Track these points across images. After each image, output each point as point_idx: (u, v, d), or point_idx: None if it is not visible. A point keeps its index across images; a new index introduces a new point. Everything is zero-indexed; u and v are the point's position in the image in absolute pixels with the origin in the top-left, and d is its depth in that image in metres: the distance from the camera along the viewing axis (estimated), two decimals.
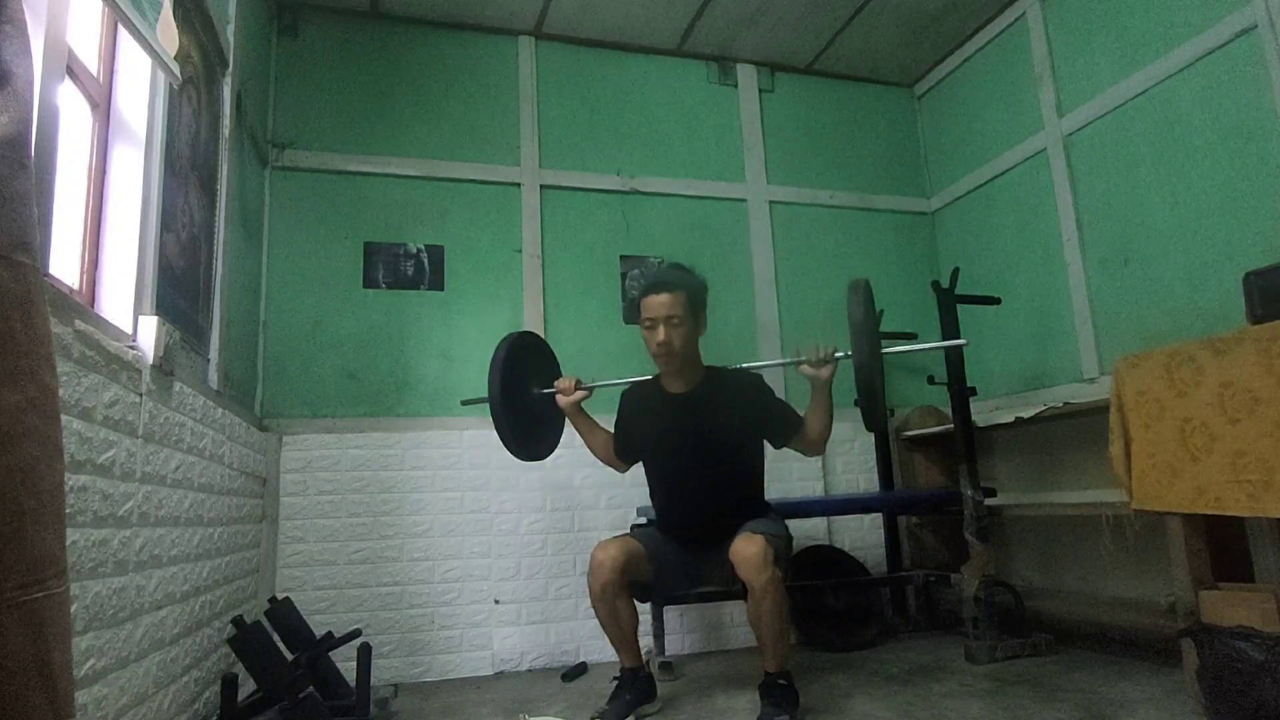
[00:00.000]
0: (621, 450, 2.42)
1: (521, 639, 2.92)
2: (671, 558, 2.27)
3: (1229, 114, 2.49)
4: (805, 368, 2.12)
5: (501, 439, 2.28)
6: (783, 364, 2.48)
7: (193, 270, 2.07)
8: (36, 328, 0.77)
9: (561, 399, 2.32)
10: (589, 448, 2.45)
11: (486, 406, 2.26)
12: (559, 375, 2.42)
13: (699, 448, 2.22)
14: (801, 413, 2.24)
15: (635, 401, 2.38)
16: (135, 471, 1.52)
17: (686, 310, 2.17)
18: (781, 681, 2.04)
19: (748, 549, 1.99)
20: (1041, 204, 3.24)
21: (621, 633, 2.17)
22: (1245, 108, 2.44)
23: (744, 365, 2.32)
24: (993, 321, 3.38)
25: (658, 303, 2.16)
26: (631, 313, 2.30)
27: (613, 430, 2.43)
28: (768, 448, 2.33)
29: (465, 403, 2.54)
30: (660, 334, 2.15)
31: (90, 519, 1.32)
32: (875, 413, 2.05)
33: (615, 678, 2.22)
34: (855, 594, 3.10)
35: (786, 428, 2.24)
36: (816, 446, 2.25)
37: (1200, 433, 1.89)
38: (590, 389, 2.33)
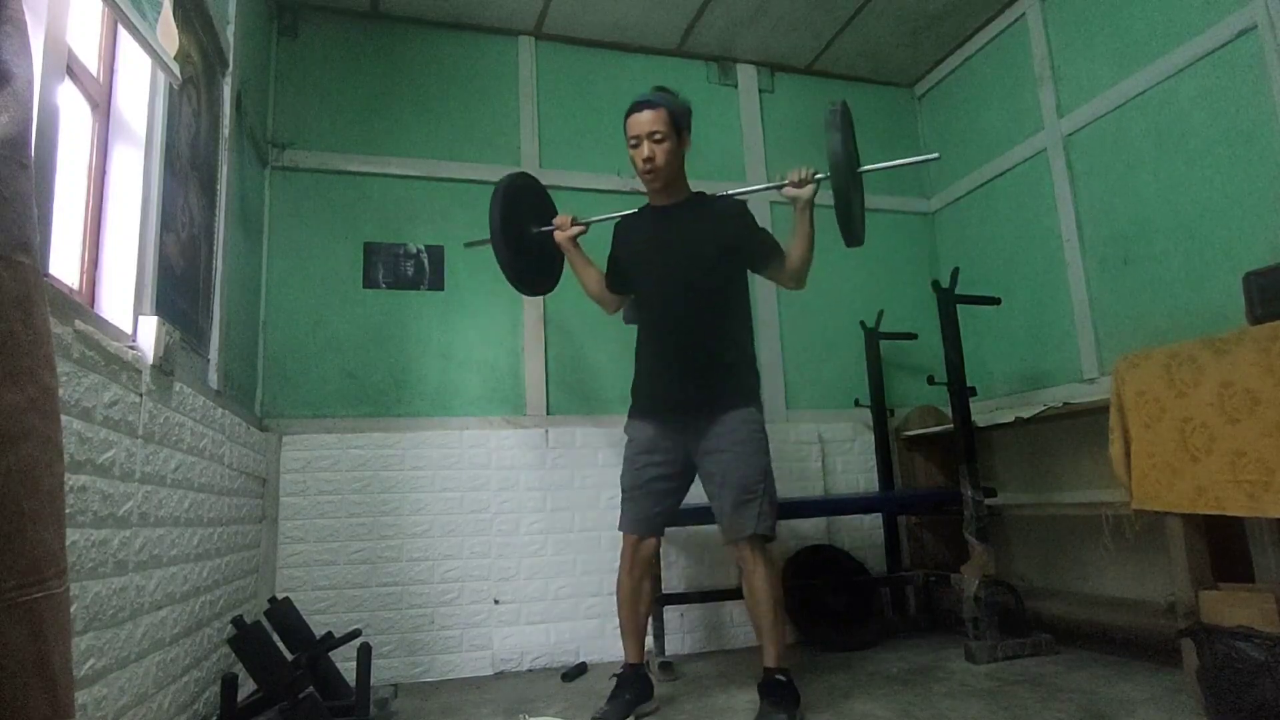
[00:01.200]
0: (613, 279, 2.42)
1: (521, 639, 2.92)
2: (660, 484, 2.23)
3: (1229, 114, 2.49)
4: (788, 189, 2.18)
5: (503, 270, 2.37)
6: (766, 188, 2.42)
7: (193, 270, 2.06)
8: (36, 328, 0.77)
9: (559, 235, 2.38)
10: (584, 286, 2.48)
11: (489, 250, 2.35)
12: (555, 215, 2.47)
13: (684, 258, 2.22)
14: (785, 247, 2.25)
15: (625, 227, 2.41)
16: (135, 471, 1.52)
17: (669, 127, 2.18)
18: (780, 678, 2.05)
19: (748, 565, 2.10)
20: (1041, 204, 3.24)
21: (637, 618, 2.22)
22: (1245, 108, 2.44)
23: (730, 191, 2.35)
24: (993, 321, 3.38)
25: (641, 120, 2.18)
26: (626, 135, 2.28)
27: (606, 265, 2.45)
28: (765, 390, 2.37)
29: (469, 245, 2.62)
30: (645, 150, 2.17)
31: (90, 519, 1.31)
32: (854, 229, 2.11)
33: (615, 675, 2.23)
34: (855, 594, 3.10)
35: (769, 252, 2.26)
36: (797, 276, 2.25)
37: (1200, 433, 1.89)
38: (586, 224, 2.40)
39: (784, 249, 2.24)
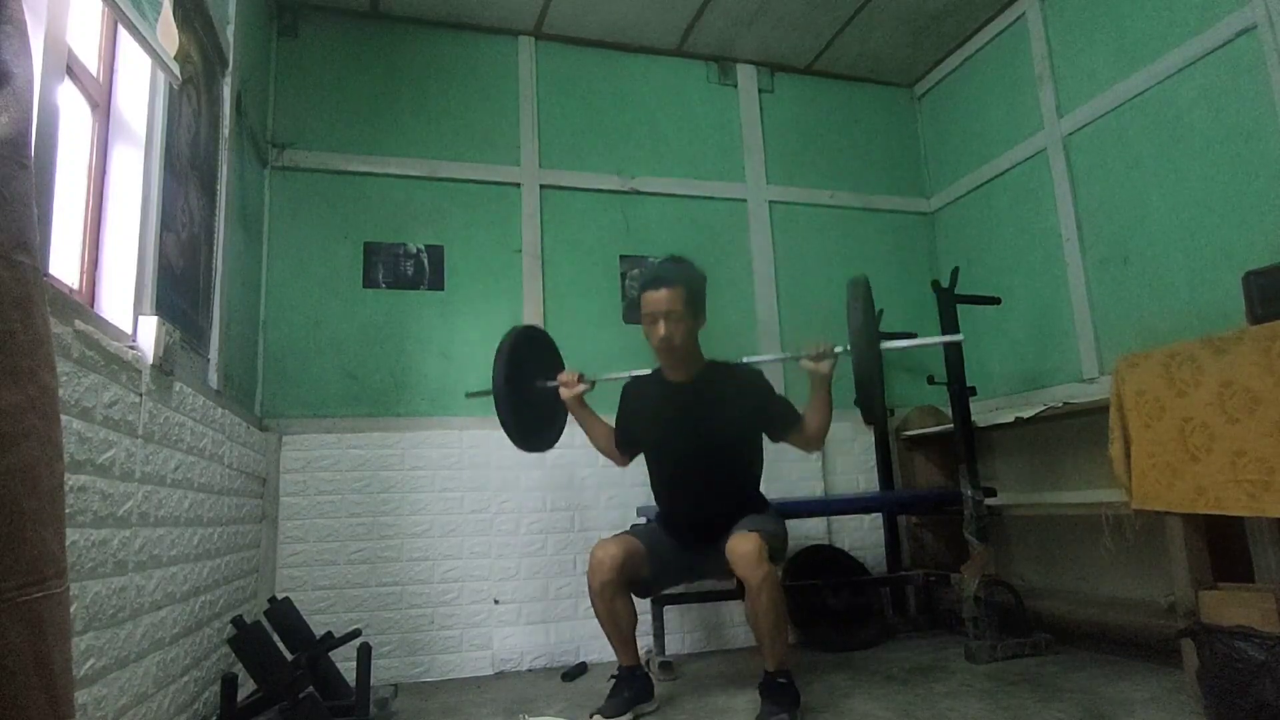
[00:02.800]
0: (622, 442, 2.44)
1: (521, 639, 2.92)
2: (670, 554, 2.29)
3: (1229, 113, 2.49)
4: (805, 362, 2.17)
5: (505, 430, 2.32)
6: (783, 359, 2.52)
7: (192, 270, 2.06)
8: (36, 328, 0.77)
9: (564, 391, 2.35)
10: (591, 440, 2.47)
11: (491, 400, 2.29)
12: (562, 368, 2.45)
13: (699, 437, 2.25)
14: (800, 409, 2.26)
15: (637, 393, 2.40)
16: (135, 471, 1.52)
17: (685, 305, 2.18)
18: (781, 680, 2.05)
19: (743, 546, 2.01)
20: (1041, 204, 3.24)
21: (620, 631, 2.20)
22: (1245, 107, 2.44)
23: (745, 359, 2.35)
24: (993, 321, 3.38)
25: (657, 298, 2.18)
26: (633, 310, 2.33)
27: (614, 423, 2.45)
28: (766, 443, 2.35)
29: (470, 395, 2.57)
30: (661, 329, 2.17)
31: (90, 519, 1.32)
32: (873, 408, 2.11)
33: (613, 676, 2.24)
34: (855, 594, 3.10)
35: (786, 422, 2.27)
36: (815, 442, 2.28)
37: (1200, 432, 1.89)
38: (593, 382, 2.38)
39: (800, 413, 2.26)
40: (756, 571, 1.98)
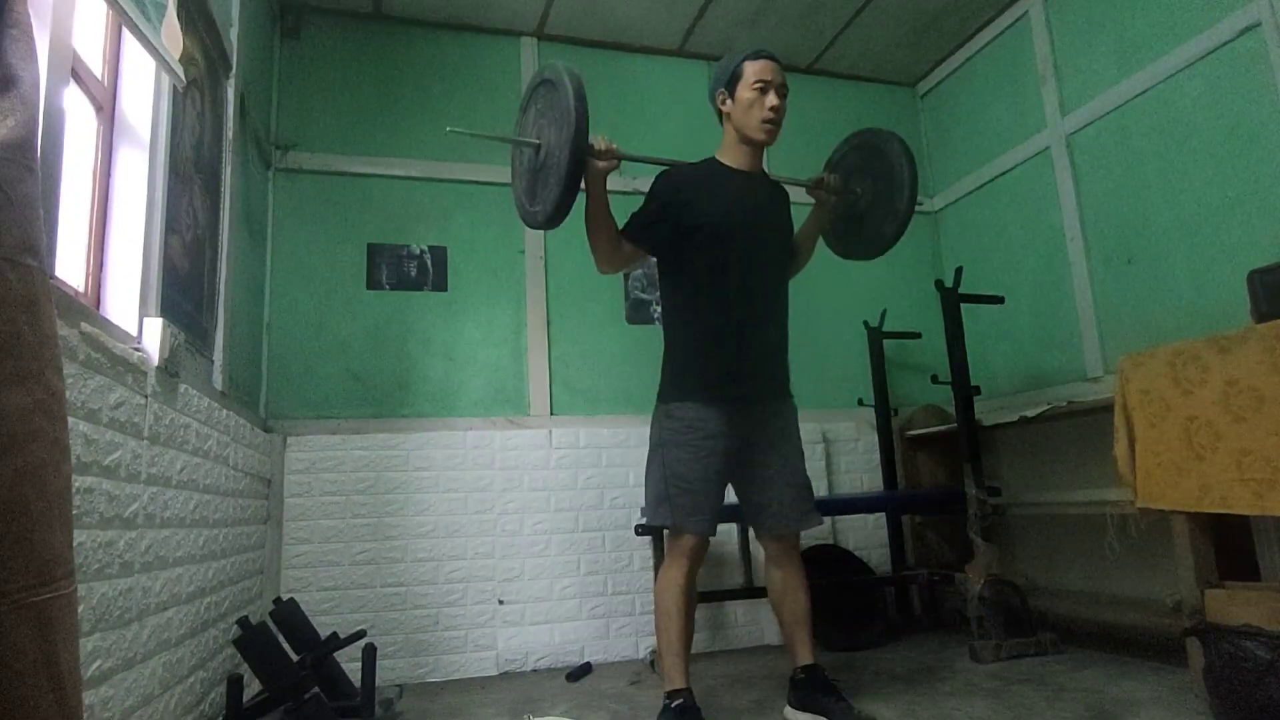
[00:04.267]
0: (648, 235, 2.06)
1: (526, 639, 2.92)
2: (714, 473, 1.99)
3: (1232, 112, 2.49)
4: (820, 191, 2.22)
5: (556, 202, 1.93)
6: (805, 183, 2.32)
7: (197, 272, 2.07)
8: (43, 330, 0.77)
9: (602, 164, 1.98)
10: (596, 227, 2.04)
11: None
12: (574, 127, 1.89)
13: (772, 230, 2.10)
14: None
15: (688, 180, 2.09)
16: (141, 473, 1.53)
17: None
18: (829, 674, 2.04)
19: (794, 558, 2.08)
20: (1045, 203, 3.24)
21: (688, 638, 1.98)
22: (1248, 105, 2.43)
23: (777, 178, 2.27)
24: (996, 320, 3.38)
25: (772, 68, 2.03)
26: (725, 78, 2.07)
27: (633, 214, 2.09)
28: None
29: (511, 140, 2.13)
30: (773, 98, 2.01)
31: (97, 520, 1.32)
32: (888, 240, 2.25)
33: (676, 702, 1.91)
34: (859, 593, 3.09)
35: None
36: (795, 270, 2.29)
37: (1205, 431, 1.89)
38: (625, 157, 2.04)
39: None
40: (785, 557, 2.04)
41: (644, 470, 2.11)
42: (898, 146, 2.22)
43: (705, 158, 2.17)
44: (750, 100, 2.03)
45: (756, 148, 2.10)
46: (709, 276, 2.02)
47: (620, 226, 2.06)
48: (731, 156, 2.13)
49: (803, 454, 2.11)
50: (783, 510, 2.04)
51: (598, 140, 1.96)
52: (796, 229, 2.26)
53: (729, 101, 2.09)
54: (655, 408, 2.09)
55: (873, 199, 2.28)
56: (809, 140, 3.84)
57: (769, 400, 2.06)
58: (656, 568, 2.81)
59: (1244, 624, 1.77)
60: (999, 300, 3.13)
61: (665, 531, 2.09)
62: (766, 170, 2.21)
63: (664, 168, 2.15)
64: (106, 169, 1.66)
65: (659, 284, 2.20)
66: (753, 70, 2.04)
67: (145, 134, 1.73)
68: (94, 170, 1.63)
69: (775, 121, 2.04)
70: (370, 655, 2.14)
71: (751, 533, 2.22)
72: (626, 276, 3.40)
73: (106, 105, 1.66)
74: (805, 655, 2.03)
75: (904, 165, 2.19)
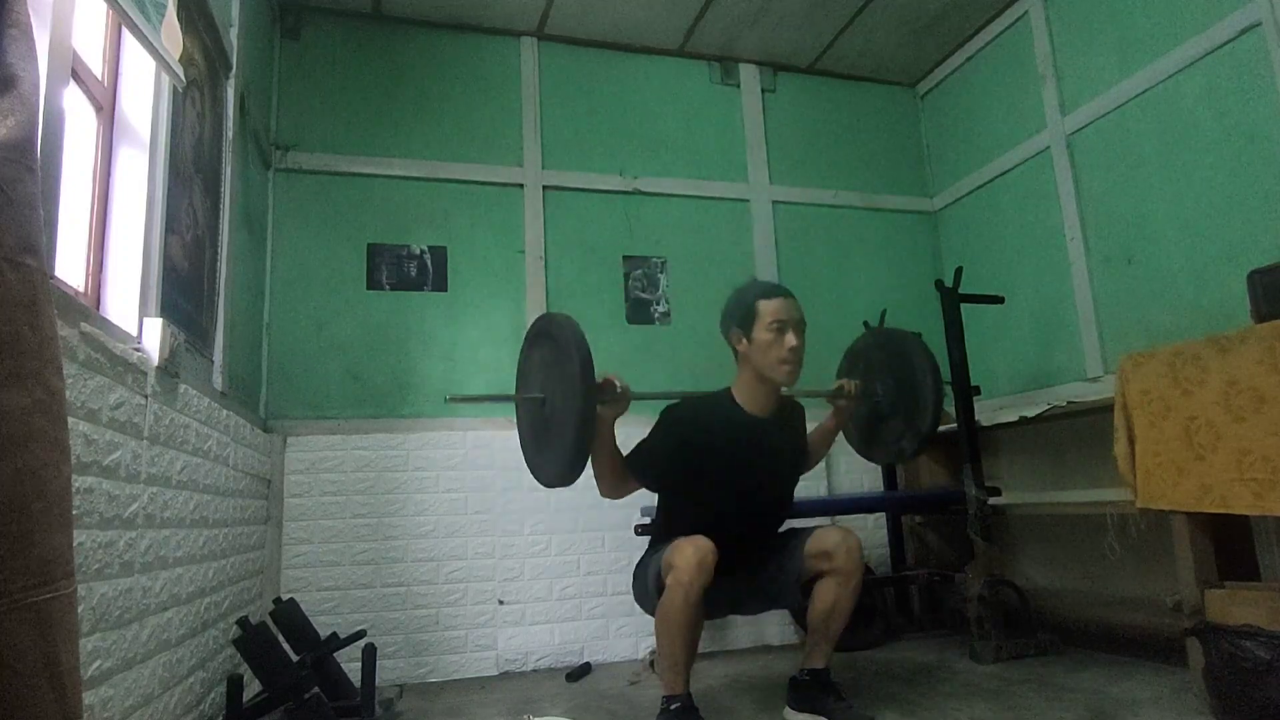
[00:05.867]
0: (649, 470, 2.03)
1: (526, 639, 2.92)
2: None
3: (1233, 111, 2.49)
4: (841, 401, 2.21)
5: (569, 460, 1.82)
6: (825, 394, 2.30)
7: (197, 272, 2.07)
8: (43, 330, 0.77)
9: (609, 410, 1.89)
10: (597, 462, 1.98)
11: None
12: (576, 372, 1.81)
13: (772, 481, 2.11)
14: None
15: (697, 419, 2.04)
16: (141, 473, 1.53)
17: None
18: (835, 680, 2.03)
19: (848, 538, 1.97)
20: (1045, 203, 3.23)
21: (693, 646, 1.89)
22: (1249, 105, 2.43)
23: (795, 392, 2.24)
24: (996, 320, 3.38)
25: (791, 305, 2.02)
26: (737, 320, 2.05)
27: (635, 447, 2.06)
28: None
29: (522, 398, 2.08)
30: (792, 339, 1.98)
31: (97, 520, 1.32)
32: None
33: (675, 705, 1.87)
34: (859, 594, 3.09)
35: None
36: (807, 469, 2.32)
37: (1205, 431, 1.89)
38: (628, 401, 1.92)
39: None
40: (857, 566, 1.96)
41: (661, 495, 2.15)
42: (924, 361, 2.19)
43: (721, 391, 2.11)
44: (768, 342, 1.99)
45: (774, 386, 2.06)
46: (707, 517, 1.99)
47: (626, 456, 2.02)
48: (747, 397, 2.08)
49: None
50: (801, 534, 2.04)
51: (608, 383, 1.86)
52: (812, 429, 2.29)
53: (744, 341, 2.04)
54: (642, 559, 2.12)
55: (894, 403, 2.28)
56: (809, 140, 3.85)
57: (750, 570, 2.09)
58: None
59: (1244, 624, 1.77)
60: (999, 300, 3.13)
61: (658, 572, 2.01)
62: (781, 405, 2.13)
63: (674, 403, 2.10)
64: (106, 169, 1.66)
65: (658, 492, 2.16)
66: (769, 310, 2.00)
67: (145, 134, 1.73)
68: (94, 170, 1.63)
69: (795, 362, 2.00)
70: (370, 655, 2.15)
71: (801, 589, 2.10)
72: (627, 276, 3.40)
73: (106, 105, 1.66)
74: (819, 660, 2.03)
75: (928, 382, 2.16)
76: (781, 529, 2.20)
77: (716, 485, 2.03)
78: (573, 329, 1.82)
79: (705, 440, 2.02)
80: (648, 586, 2.01)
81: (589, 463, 1.89)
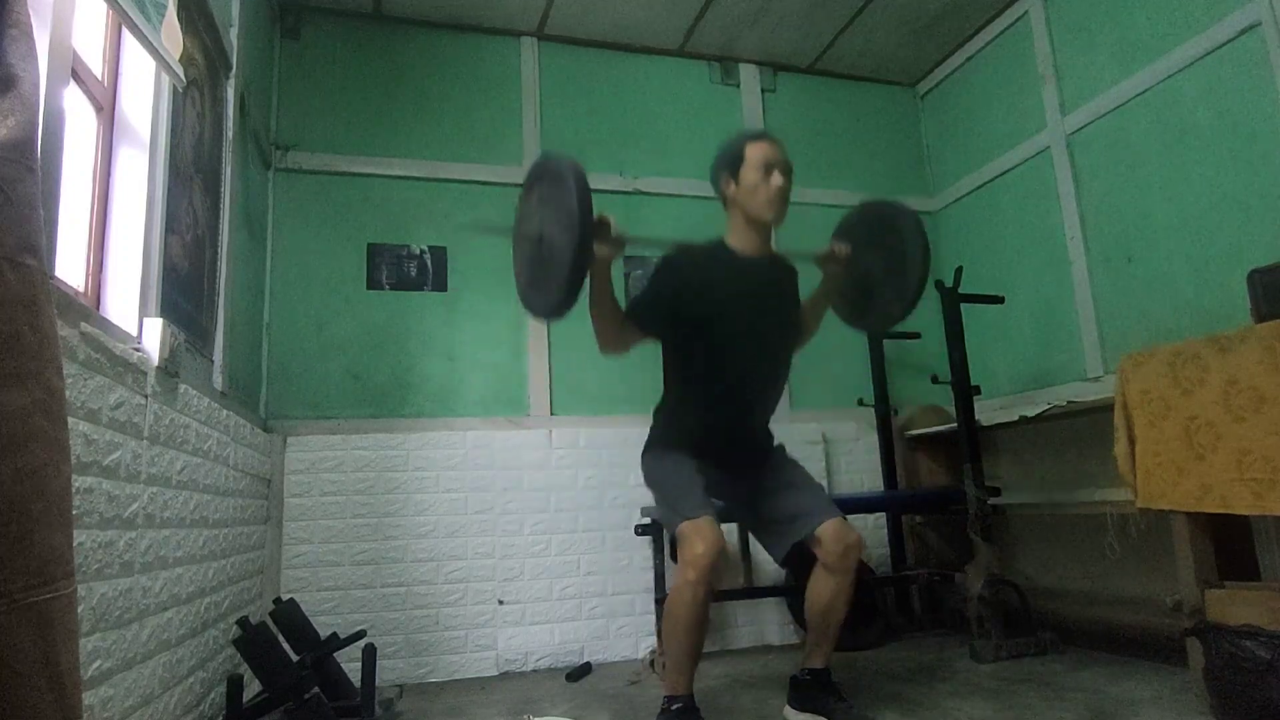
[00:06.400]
0: (651, 318, 2.04)
1: (526, 639, 2.92)
2: (704, 488, 1.96)
3: (1233, 111, 2.49)
4: (830, 263, 2.16)
5: (562, 292, 1.78)
6: (811, 255, 2.27)
7: (197, 272, 2.07)
8: (43, 330, 0.77)
9: (605, 249, 1.84)
10: (600, 311, 1.97)
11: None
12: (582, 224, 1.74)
13: (772, 322, 2.09)
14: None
15: (692, 263, 2.06)
16: (141, 473, 1.53)
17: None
18: (835, 680, 2.03)
19: (849, 533, 1.94)
20: (1045, 203, 3.23)
21: (699, 644, 1.88)
22: (1249, 105, 2.43)
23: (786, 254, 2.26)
24: (996, 320, 3.38)
25: (778, 149, 2.04)
26: (724, 166, 2.08)
27: (636, 299, 2.09)
28: None
29: (488, 231, 2.11)
30: (778, 179, 2.01)
31: (97, 520, 1.32)
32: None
33: (676, 705, 1.88)
34: (859, 594, 3.08)
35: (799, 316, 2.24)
36: (801, 344, 2.28)
37: (1205, 431, 1.89)
38: (624, 243, 1.89)
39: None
40: (852, 563, 1.93)
41: (643, 471, 2.13)
42: (912, 224, 2.18)
43: (714, 239, 2.13)
44: (755, 182, 2.03)
45: (764, 229, 2.08)
46: (708, 365, 2.03)
47: (625, 308, 2.03)
48: (739, 240, 2.10)
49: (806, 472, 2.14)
50: (818, 507, 2.00)
51: (604, 223, 1.82)
52: (805, 298, 2.26)
53: (733, 185, 2.07)
54: (643, 457, 2.11)
55: (883, 273, 2.25)
56: (809, 140, 3.84)
57: (759, 459, 2.11)
58: (657, 568, 2.81)
59: (1244, 624, 1.77)
60: (999, 300, 3.13)
61: (673, 538, 2.03)
62: (775, 250, 2.18)
63: (670, 250, 2.13)
64: (106, 169, 1.66)
65: (661, 349, 2.16)
66: (756, 153, 2.04)
67: (145, 134, 1.73)
68: (94, 170, 1.63)
69: (781, 201, 2.04)
70: (370, 655, 2.15)
71: (799, 548, 2.12)
72: (627, 276, 3.40)
73: (106, 105, 1.66)
74: (819, 660, 2.02)
75: (917, 246, 2.15)
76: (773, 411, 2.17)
77: (716, 324, 2.02)
78: (572, 164, 1.81)
79: (702, 279, 2.03)
80: (660, 506, 2.03)
81: (592, 318, 1.96)
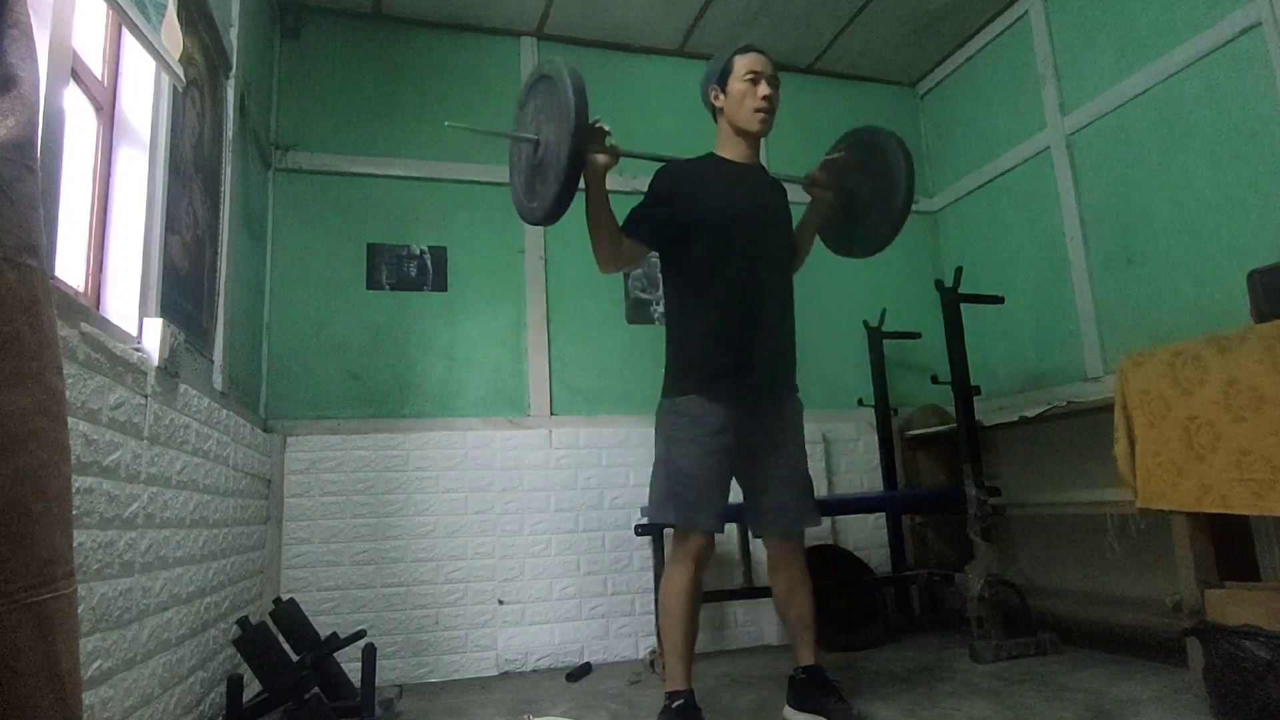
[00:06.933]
0: (653, 232, 2.04)
1: (526, 639, 2.92)
2: (716, 472, 1.95)
3: (1233, 111, 2.49)
4: (818, 188, 2.23)
5: (556, 198, 1.88)
6: (805, 180, 2.33)
7: (197, 272, 2.07)
8: (43, 330, 0.77)
9: (604, 157, 1.92)
10: (599, 226, 1.99)
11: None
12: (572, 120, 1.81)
13: (773, 221, 2.10)
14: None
15: (687, 173, 2.09)
16: (141, 473, 1.53)
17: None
18: (830, 675, 2.04)
19: (789, 544, 2.04)
20: (1045, 203, 3.24)
21: (693, 638, 1.96)
22: (1249, 104, 2.43)
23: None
24: (996, 320, 3.38)
25: (762, 59, 2.07)
26: (715, 73, 2.11)
27: (633, 210, 2.06)
28: None
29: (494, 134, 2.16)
30: (765, 88, 2.04)
31: (97, 520, 1.32)
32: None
33: (677, 703, 1.91)
34: (859, 594, 3.09)
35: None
36: (796, 265, 2.28)
37: (1205, 431, 1.89)
38: (624, 153, 1.99)
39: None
40: (794, 557, 2.03)
41: (643, 470, 2.13)
42: (896, 145, 2.22)
43: (704, 154, 2.18)
44: (743, 92, 2.06)
45: (752, 139, 2.12)
46: (711, 269, 2.01)
47: (620, 223, 2.03)
48: (729, 150, 2.14)
49: (805, 451, 2.13)
50: (784, 512, 2.04)
51: (598, 128, 1.90)
52: (795, 225, 2.26)
53: (721, 96, 2.11)
54: (659, 403, 2.07)
55: (870, 197, 2.28)
56: (809, 140, 3.84)
57: (774, 394, 2.05)
58: (656, 568, 2.81)
59: (1244, 624, 1.77)
60: (999, 300, 3.13)
61: (670, 531, 2.07)
62: (764, 166, 2.22)
63: (663, 163, 2.15)
64: (106, 169, 1.66)
65: (661, 279, 2.20)
66: (743, 63, 2.07)
67: (145, 134, 1.73)
68: (94, 170, 1.63)
69: (768, 110, 2.06)
70: (370, 655, 2.15)
71: (751, 533, 2.19)
72: (626, 276, 3.40)
73: (106, 105, 1.66)
74: (807, 656, 2.03)
75: (901, 165, 2.18)
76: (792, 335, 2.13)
77: (714, 221, 2.01)
78: (571, 70, 1.85)
79: (696, 187, 2.05)
80: (660, 489, 1.99)
81: (591, 234, 1.99)
